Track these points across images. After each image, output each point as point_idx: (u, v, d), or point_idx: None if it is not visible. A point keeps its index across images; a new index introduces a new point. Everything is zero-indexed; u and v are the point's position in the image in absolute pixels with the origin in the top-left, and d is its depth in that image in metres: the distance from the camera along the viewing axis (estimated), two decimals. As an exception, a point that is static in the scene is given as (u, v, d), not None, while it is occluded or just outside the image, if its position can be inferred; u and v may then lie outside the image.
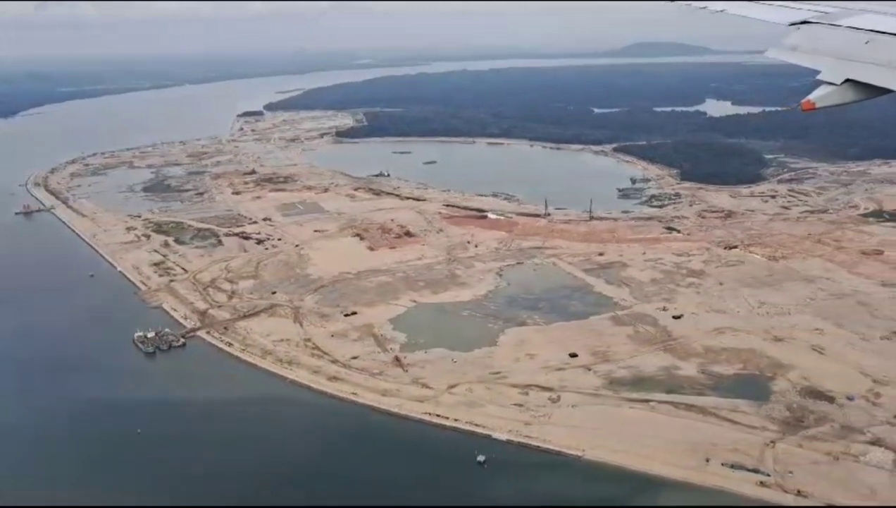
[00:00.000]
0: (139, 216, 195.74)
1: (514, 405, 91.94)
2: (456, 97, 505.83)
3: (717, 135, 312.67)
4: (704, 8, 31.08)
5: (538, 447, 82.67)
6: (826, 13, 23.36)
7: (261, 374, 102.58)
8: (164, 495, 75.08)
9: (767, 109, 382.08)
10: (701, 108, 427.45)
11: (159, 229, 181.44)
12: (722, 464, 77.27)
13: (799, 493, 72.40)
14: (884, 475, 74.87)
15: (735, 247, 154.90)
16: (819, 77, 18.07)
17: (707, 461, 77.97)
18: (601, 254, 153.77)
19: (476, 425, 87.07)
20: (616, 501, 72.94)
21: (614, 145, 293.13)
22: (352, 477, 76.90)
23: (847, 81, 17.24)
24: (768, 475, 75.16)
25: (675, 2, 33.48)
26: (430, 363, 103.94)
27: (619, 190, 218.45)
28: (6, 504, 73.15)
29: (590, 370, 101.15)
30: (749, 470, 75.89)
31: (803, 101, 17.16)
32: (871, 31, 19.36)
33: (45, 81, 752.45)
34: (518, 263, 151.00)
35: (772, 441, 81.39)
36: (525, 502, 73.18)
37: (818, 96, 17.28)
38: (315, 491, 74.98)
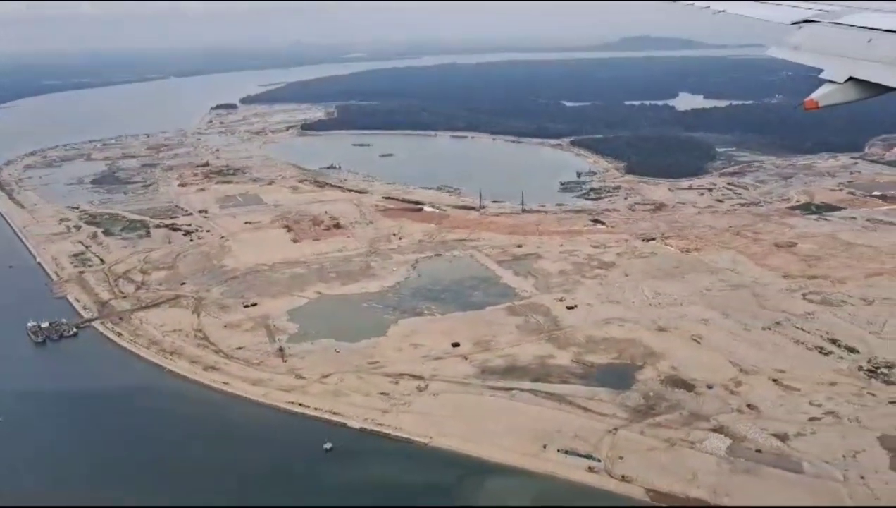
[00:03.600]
0: (77, 208, 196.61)
1: (381, 393, 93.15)
2: (434, 91, 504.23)
3: (677, 128, 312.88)
4: (707, 7, 30.91)
5: (388, 434, 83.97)
6: (828, 11, 23.18)
7: (142, 364, 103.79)
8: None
9: (734, 103, 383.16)
10: (673, 102, 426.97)
11: (92, 220, 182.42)
12: (558, 450, 78.59)
13: (623, 478, 73.70)
14: (712, 461, 76.20)
15: (653, 239, 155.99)
16: (822, 76, 18.03)
17: (545, 447, 79.27)
18: (520, 246, 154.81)
19: (334, 413, 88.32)
20: (445, 486, 74.01)
21: (571, 139, 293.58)
22: (191, 462, 78.37)
23: (850, 79, 17.15)
24: (599, 460, 76.48)
25: (678, 1, 33.14)
26: (312, 354, 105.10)
27: (562, 183, 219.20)
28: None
29: (467, 359, 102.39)
30: (582, 456, 77.21)
31: (806, 99, 17.12)
32: (874, 29, 19.18)
33: (29, 74, 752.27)
34: (437, 255, 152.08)
35: (615, 429, 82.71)
36: (356, 486, 74.19)
37: (821, 95, 17.17)
38: (144, 475, 76.50)
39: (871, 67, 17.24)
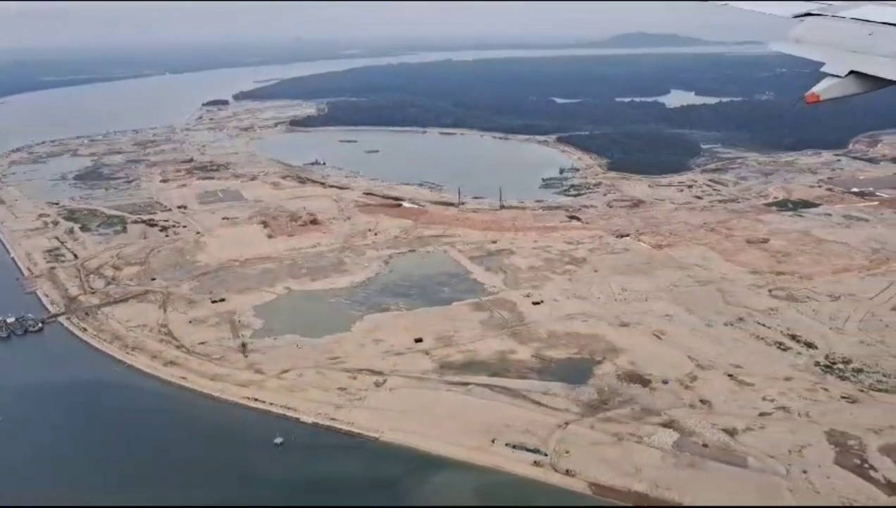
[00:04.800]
0: (57, 204, 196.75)
1: (338, 389, 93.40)
2: (427, 87, 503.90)
3: (664, 125, 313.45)
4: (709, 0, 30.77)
5: (340, 429, 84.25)
6: (829, 5, 23.11)
7: (102, 358, 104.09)
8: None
9: (723, 100, 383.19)
10: (663, 98, 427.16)
11: (70, 216, 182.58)
12: (506, 445, 78.88)
13: (567, 472, 74.05)
14: (657, 455, 76.49)
15: (627, 236, 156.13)
16: (823, 69, 17.92)
17: (493, 441, 79.58)
18: (494, 242, 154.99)
19: (288, 408, 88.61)
20: (389, 480, 74.27)
21: (558, 136, 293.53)
22: (134, 457, 78.79)
23: (851, 72, 17.06)
24: (545, 455, 76.79)
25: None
26: (274, 349, 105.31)
27: (544, 180, 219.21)
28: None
29: (428, 354, 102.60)
30: (529, 450, 77.52)
31: (807, 93, 17.03)
32: (876, 22, 19.11)
33: (26, 70, 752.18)
34: (410, 250, 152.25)
35: (566, 423, 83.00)
36: (301, 481, 74.46)
37: (822, 89, 17.08)
38: (81, 469, 76.86)
39: (872, 60, 17.16)
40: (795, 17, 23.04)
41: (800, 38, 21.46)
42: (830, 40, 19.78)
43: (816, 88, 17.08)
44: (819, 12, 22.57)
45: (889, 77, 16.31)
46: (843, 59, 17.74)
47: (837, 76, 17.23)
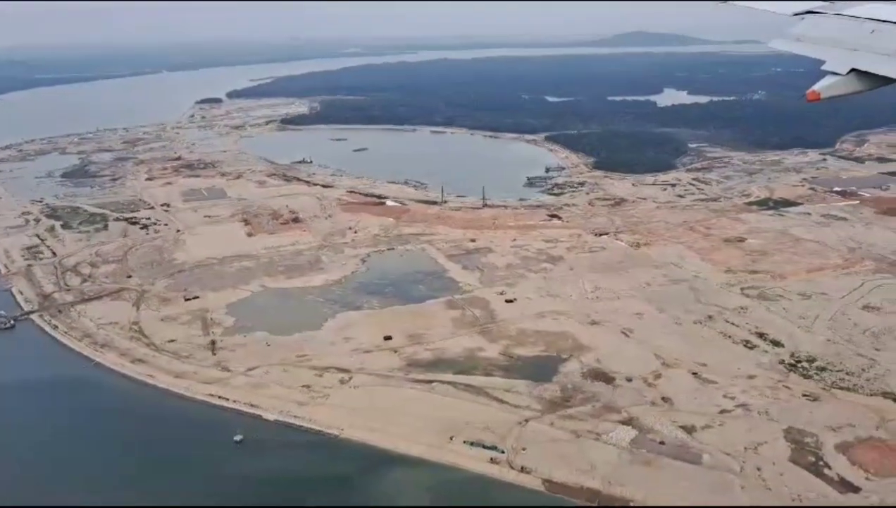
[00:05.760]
0: (41, 201, 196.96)
1: (303, 386, 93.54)
2: (423, 86, 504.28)
3: (653, 124, 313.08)
4: None
5: (301, 426, 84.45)
6: (830, 3, 22.96)
7: (72, 356, 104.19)
8: None
9: (715, 99, 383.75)
10: (657, 97, 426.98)
11: (53, 213, 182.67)
12: (464, 442, 79.09)
13: (522, 469, 74.27)
14: (614, 452, 76.73)
15: (605, 234, 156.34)
16: (824, 67, 17.84)
17: (451, 438, 79.78)
18: (473, 240, 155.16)
19: (252, 405, 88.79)
20: (345, 477, 74.44)
21: (546, 134, 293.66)
22: (95, 454, 78.89)
23: (852, 70, 16.97)
24: (502, 452, 77.00)
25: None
26: (242, 347, 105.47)
27: (528, 178, 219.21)
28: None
29: (396, 352, 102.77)
30: (487, 448, 77.71)
31: (808, 91, 16.94)
32: (877, 20, 19.00)
33: (22, 68, 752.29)
34: (389, 249, 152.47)
35: (526, 420, 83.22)
36: (258, 477, 74.62)
37: (823, 86, 16.96)
38: (41, 466, 77.04)
39: (874, 58, 17.00)
40: (796, 14, 23.06)
41: (800, 35, 21.46)
42: (831, 38, 19.72)
43: (817, 86, 17.03)
44: (820, 10, 22.53)
45: (890, 75, 16.19)
46: (844, 57, 17.63)
47: (838, 74, 17.15)
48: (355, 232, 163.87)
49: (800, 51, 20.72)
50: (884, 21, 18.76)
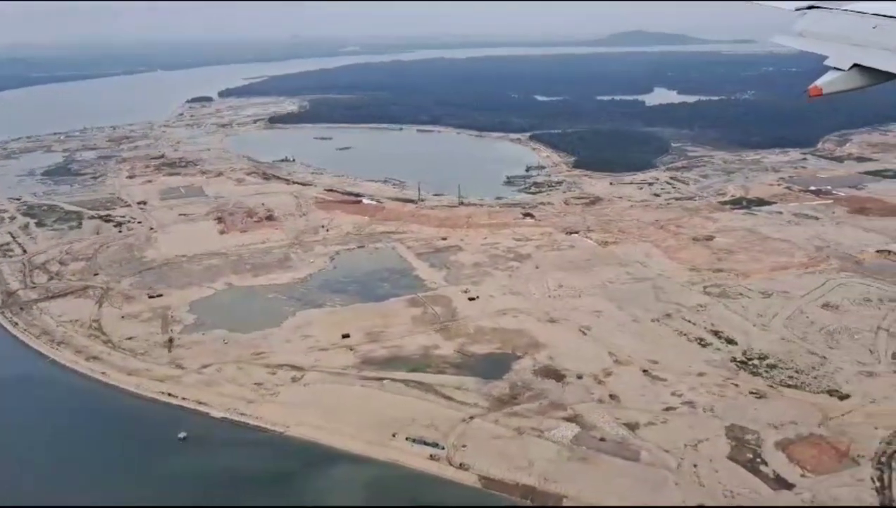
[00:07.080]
0: (18, 199, 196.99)
1: (255, 384, 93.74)
2: (415, 84, 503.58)
3: (638, 123, 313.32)
4: None
5: (247, 423, 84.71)
6: None
7: (29, 353, 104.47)
8: None
9: (703, 98, 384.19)
10: (645, 96, 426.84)
11: (29, 211, 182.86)
12: (406, 438, 79.38)
13: (461, 466, 74.55)
14: (553, 449, 77.00)
15: (576, 233, 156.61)
16: (826, 63, 17.74)
17: (394, 435, 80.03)
18: (444, 239, 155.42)
19: (200, 403, 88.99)
20: (287, 473, 74.71)
21: (531, 133, 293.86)
22: (34, 452, 79.08)
23: (854, 66, 16.89)
24: (443, 448, 77.25)
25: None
26: (199, 345, 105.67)
27: (508, 177, 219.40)
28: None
29: (352, 349, 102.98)
30: (428, 444, 77.98)
31: (810, 86, 16.83)
32: (879, 15, 18.93)
33: (18, 66, 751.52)
34: (359, 247, 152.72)
35: (471, 417, 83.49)
36: (197, 473, 74.89)
37: (825, 82, 16.87)
38: None
39: (876, 53, 16.92)
40: (798, 10, 23.00)
41: (803, 31, 21.43)
42: (834, 34, 19.74)
43: (819, 82, 16.94)
44: (822, 6, 22.55)
45: (892, 70, 16.12)
46: (847, 53, 17.52)
47: (840, 70, 17.07)
48: (328, 230, 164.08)
49: (802, 46, 20.69)
50: (886, 16, 18.73)
